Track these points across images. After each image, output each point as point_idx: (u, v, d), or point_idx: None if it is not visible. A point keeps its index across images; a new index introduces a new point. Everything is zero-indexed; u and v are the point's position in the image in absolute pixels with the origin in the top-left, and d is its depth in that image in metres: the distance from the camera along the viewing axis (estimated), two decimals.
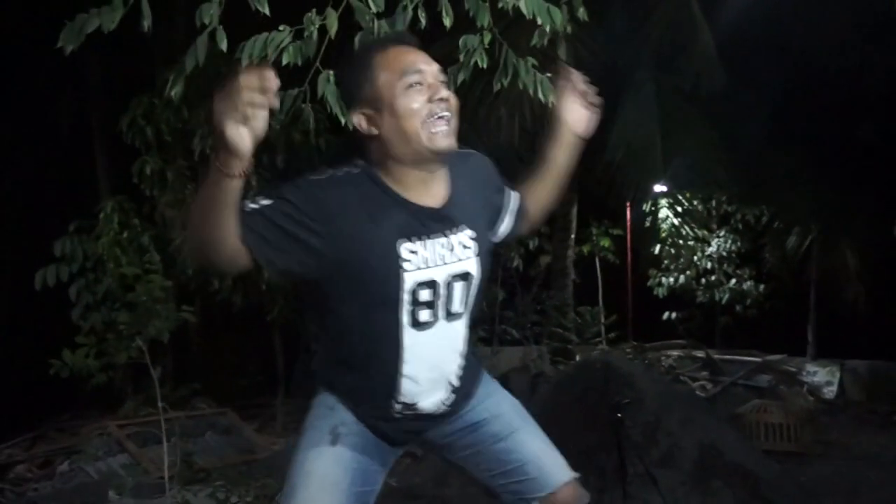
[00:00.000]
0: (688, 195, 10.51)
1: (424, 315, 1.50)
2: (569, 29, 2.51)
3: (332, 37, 2.19)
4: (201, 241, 1.31)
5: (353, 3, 2.19)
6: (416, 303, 1.48)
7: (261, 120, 1.18)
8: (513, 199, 1.73)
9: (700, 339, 8.97)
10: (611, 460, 3.42)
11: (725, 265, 10.42)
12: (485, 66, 2.41)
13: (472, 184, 1.58)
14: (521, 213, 1.75)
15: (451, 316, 1.54)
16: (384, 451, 1.63)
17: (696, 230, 10.63)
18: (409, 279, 1.45)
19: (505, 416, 1.72)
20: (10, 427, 6.02)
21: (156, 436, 4.47)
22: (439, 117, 1.43)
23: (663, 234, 10.66)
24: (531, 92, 2.51)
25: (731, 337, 9.85)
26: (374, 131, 1.45)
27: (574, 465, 1.77)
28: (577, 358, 7.33)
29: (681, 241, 10.59)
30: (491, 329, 7.83)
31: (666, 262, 10.58)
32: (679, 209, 10.68)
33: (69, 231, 5.13)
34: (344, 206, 1.41)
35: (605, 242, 10.20)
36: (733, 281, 10.28)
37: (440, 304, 1.51)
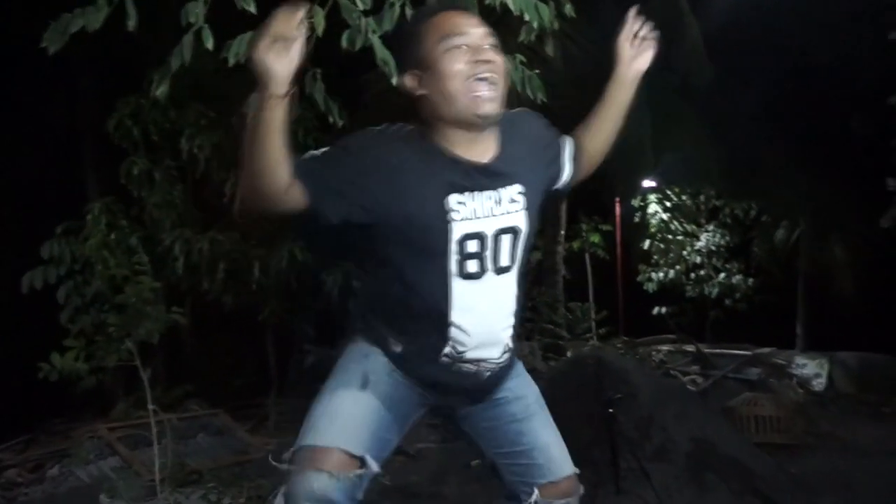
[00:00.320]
0: (677, 190, 10.57)
1: (472, 266, 1.54)
2: (556, 25, 2.51)
3: (320, 35, 2.18)
4: (253, 173, 1.37)
5: (340, 0, 2.18)
6: (463, 253, 1.53)
7: (295, 53, 1.29)
8: (567, 144, 1.77)
9: (690, 334, 9.02)
10: (604, 456, 3.43)
11: (714, 259, 10.48)
12: None
13: (521, 139, 1.63)
14: (578, 156, 1.79)
15: (499, 270, 1.58)
16: (409, 407, 1.66)
17: (685, 225, 10.69)
18: (457, 230, 1.50)
19: (526, 399, 1.76)
20: (0, 431, 5.97)
21: (147, 438, 4.44)
22: (480, 78, 1.47)
23: (653, 230, 10.71)
24: (519, 89, 2.52)
25: (721, 331, 9.90)
26: (421, 92, 1.51)
27: None
28: (569, 354, 7.34)
29: (670, 237, 10.65)
30: None
31: (655, 257, 10.63)
32: (668, 204, 10.74)
33: (56, 233, 5.08)
34: (397, 157, 1.49)
35: (595, 238, 10.23)
36: (722, 275, 10.34)
37: (488, 256, 1.55)
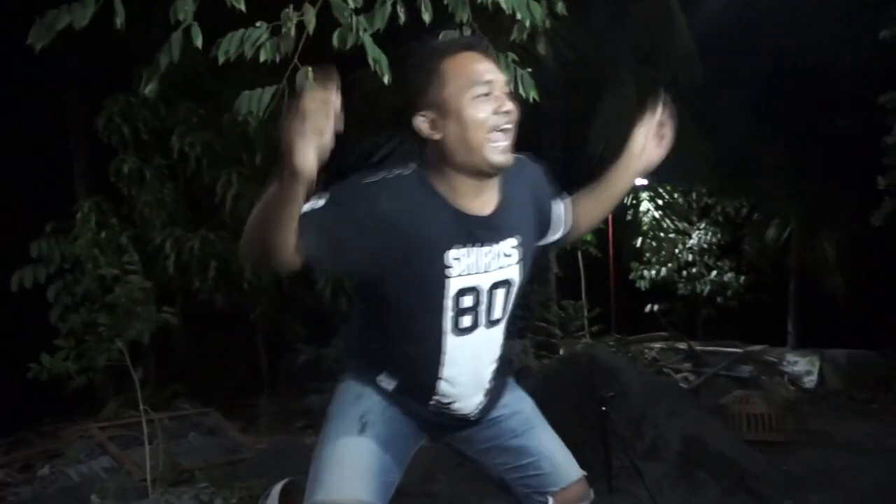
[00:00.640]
0: (668, 188, 10.59)
1: (466, 321, 1.53)
2: (548, 24, 2.51)
3: (311, 33, 2.17)
4: (260, 249, 1.34)
5: None
6: (458, 308, 1.51)
7: (327, 140, 1.20)
8: (563, 208, 1.74)
9: (682, 331, 9.04)
10: (596, 454, 3.43)
11: (706, 257, 10.50)
12: None
13: (522, 190, 1.59)
14: (568, 223, 1.76)
15: (491, 323, 1.57)
16: (408, 439, 1.66)
17: (676, 223, 10.71)
18: (454, 285, 1.48)
19: (523, 413, 1.77)
20: None
21: (138, 438, 4.42)
22: (501, 130, 1.44)
23: (644, 228, 10.72)
24: (511, 88, 2.51)
25: (713, 328, 9.93)
26: (437, 136, 1.45)
27: None
28: (562, 352, 7.36)
29: (662, 234, 10.66)
30: None
31: (647, 255, 10.65)
32: (660, 202, 10.75)
33: (46, 232, 5.05)
34: (394, 209, 1.42)
35: (588, 236, 10.23)
36: (714, 273, 10.36)
37: (482, 310, 1.54)
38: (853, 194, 7.16)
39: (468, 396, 1.61)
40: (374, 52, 2.23)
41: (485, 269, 1.51)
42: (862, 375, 6.94)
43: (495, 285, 1.54)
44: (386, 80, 2.19)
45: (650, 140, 1.77)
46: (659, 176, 9.59)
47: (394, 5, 2.29)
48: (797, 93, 7.43)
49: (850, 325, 7.85)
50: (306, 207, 1.35)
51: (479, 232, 1.49)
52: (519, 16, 2.36)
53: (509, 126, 1.45)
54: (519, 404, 1.77)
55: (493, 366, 1.63)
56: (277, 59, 2.16)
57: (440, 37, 2.37)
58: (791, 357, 7.50)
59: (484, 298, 1.53)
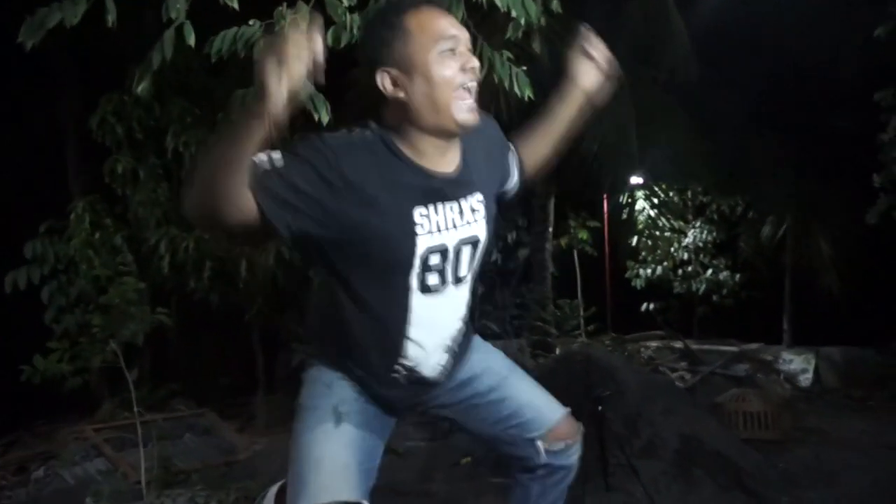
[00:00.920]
0: (664, 187, 10.60)
1: (433, 280, 1.51)
2: (543, 22, 2.50)
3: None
4: (211, 189, 1.26)
5: None
6: (426, 267, 1.49)
7: (299, 70, 1.20)
8: (513, 156, 1.73)
9: (678, 330, 9.05)
10: (592, 452, 3.42)
11: (702, 256, 10.52)
12: None
13: (482, 146, 1.57)
14: (521, 170, 1.75)
15: (457, 280, 1.55)
16: (383, 422, 1.65)
17: (672, 221, 10.73)
18: (422, 244, 1.45)
19: (493, 366, 1.77)
20: None
21: (134, 439, 4.40)
22: (466, 88, 1.42)
23: (640, 226, 10.74)
24: (507, 85, 2.51)
25: (709, 327, 9.95)
26: (400, 94, 1.40)
27: None
28: (558, 351, 7.36)
29: (657, 233, 10.69)
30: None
31: (643, 253, 10.67)
32: (655, 201, 10.78)
33: (40, 232, 5.02)
34: (360, 170, 1.37)
35: (584, 235, 10.24)
36: (710, 271, 10.39)
37: (449, 268, 1.52)
38: (848, 192, 7.18)
39: (432, 357, 1.59)
40: None
41: (452, 226, 1.48)
42: (857, 373, 6.94)
43: (462, 242, 1.51)
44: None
45: (588, 64, 1.74)
46: (654, 174, 9.60)
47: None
48: (792, 91, 7.44)
49: (845, 323, 7.87)
50: (268, 163, 1.30)
51: (445, 190, 1.47)
52: (514, 14, 2.35)
53: (474, 83, 1.43)
54: (487, 359, 1.77)
55: (459, 324, 1.61)
56: None
57: (359, 16, 2.35)
58: (786, 355, 7.51)
59: (451, 256, 1.51)
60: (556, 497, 1.87)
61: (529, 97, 2.54)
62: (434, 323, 1.56)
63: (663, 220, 10.73)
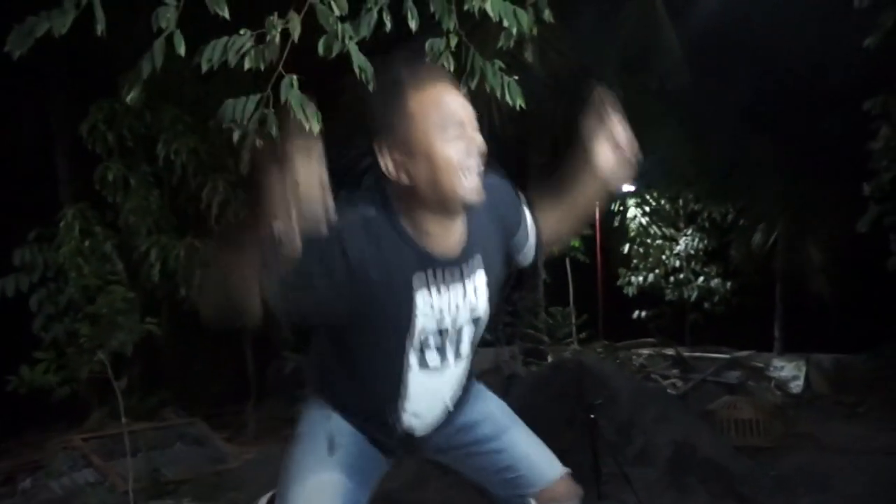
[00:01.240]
0: (655, 194, 10.64)
1: (433, 358, 1.50)
2: (535, 31, 2.50)
3: (295, 40, 2.15)
4: (225, 300, 1.25)
5: (316, 5, 2.15)
6: (425, 348, 1.47)
7: (314, 201, 1.10)
8: (532, 230, 1.63)
9: (670, 337, 9.07)
10: (585, 460, 3.42)
11: (693, 263, 10.55)
12: (451, 69, 2.38)
13: (489, 216, 1.50)
14: (538, 245, 1.67)
15: (458, 358, 1.54)
16: (378, 460, 1.63)
17: (663, 229, 10.76)
18: (422, 325, 1.44)
19: (493, 416, 1.73)
20: None
21: (123, 449, 4.37)
22: (470, 168, 1.35)
23: (632, 234, 10.77)
24: (498, 95, 2.50)
25: (700, 334, 9.97)
26: (403, 177, 1.35)
27: None
28: (550, 358, 7.36)
29: (649, 241, 10.71)
30: None
31: (635, 261, 10.69)
32: (647, 209, 10.80)
33: (29, 240, 4.98)
34: (364, 255, 1.34)
35: (575, 242, 10.25)
36: (701, 278, 10.41)
37: (450, 347, 1.51)
38: (839, 200, 7.20)
39: (428, 420, 1.59)
40: (359, 60, 2.21)
41: (455, 307, 1.46)
42: (847, 379, 6.98)
43: (464, 322, 1.50)
44: (371, 87, 2.17)
45: (604, 147, 1.57)
46: (646, 182, 9.63)
47: (380, 12, 2.27)
48: (783, 99, 7.48)
49: (836, 330, 7.91)
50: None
51: (448, 273, 1.44)
52: (506, 23, 2.35)
53: (479, 162, 1.37)
54: (487, 407, 1.73)
55: (458, 391, 1.61)
56: (262, 67, 2.14)
57: (426, 46, 2.36)
58: (777, 362, 7.54)
59: (452, 336, 1.49)
60: None
61: (521, 106, 2.53)
62: (433, 396, 1.56)
63: (655, 227, 10.77)
